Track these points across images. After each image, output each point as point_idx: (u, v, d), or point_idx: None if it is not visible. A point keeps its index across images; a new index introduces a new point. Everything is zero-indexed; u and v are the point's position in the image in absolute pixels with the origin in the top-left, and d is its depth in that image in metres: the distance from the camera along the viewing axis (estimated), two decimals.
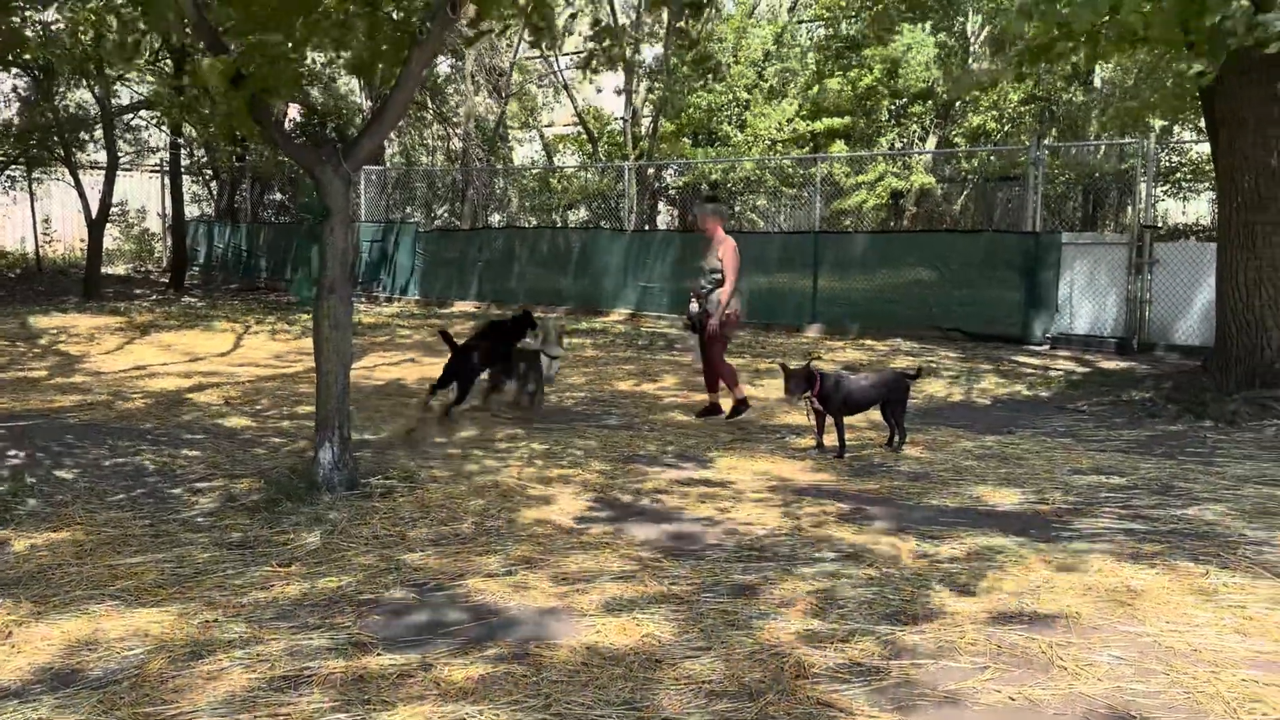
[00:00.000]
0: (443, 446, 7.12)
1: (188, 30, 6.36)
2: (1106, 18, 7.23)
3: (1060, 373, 10.95)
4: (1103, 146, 20.13)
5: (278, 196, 24.49)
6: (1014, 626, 4.04)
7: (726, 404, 8.15)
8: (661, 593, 4.35)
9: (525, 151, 29.32)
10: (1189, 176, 20.54)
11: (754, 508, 5.70)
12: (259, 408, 8.56)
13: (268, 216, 24.11)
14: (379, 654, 3.74)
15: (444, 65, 25.61)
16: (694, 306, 8.05)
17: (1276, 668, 3.68)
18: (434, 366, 10.97)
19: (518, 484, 6.12)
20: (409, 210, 23.29)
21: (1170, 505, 5.74)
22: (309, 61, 15.18)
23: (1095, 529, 5.30)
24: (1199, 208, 22.16)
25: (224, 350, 12.27)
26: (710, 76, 21.08)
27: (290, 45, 5.74)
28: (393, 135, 27.54)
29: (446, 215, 24.10)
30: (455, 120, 25.04)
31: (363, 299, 19.53)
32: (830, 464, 6.78)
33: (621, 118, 23.99)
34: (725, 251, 7.89)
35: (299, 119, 23.20)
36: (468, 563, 4.72)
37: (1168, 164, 19.94)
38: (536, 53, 24.44)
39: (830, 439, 7.10)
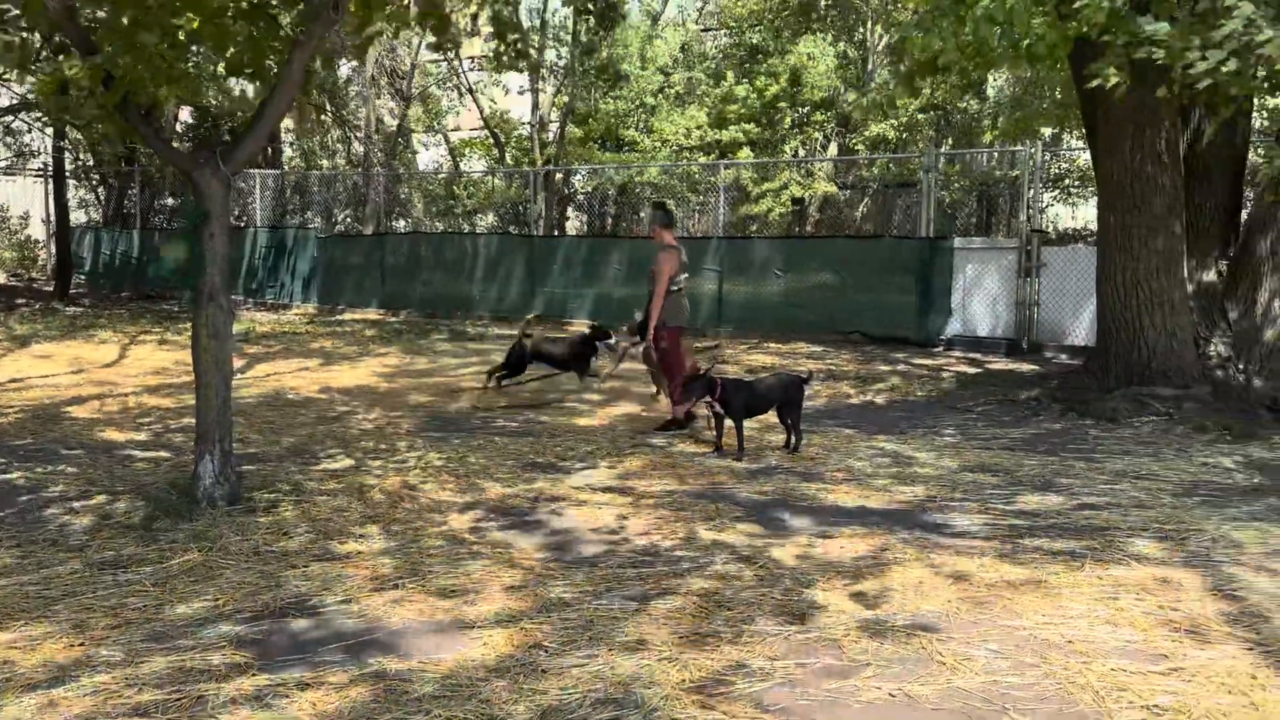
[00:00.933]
0: (335, 458, 6.95)
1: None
2: (1009, 37, 7.44)
3: (953, 374, 11.24)
4: (995, 154, 20.76)
5: (170, 201, 23.66)
6: (897, 623, 4.11)
7: (664, 407, 8.24)
8: (551, 602, 4.31)
9: (430, 156, 28.94)
10: (1077, 183, 21.34)
11: (649, 513, 5.70)
12: (142, 421, 8.24)
13: (159, 222, 23.29)
14: (254, 674, 3.61)
15: (344, 68, 25.14)
16: (638, 315, 8.15)
17: (1143, 657, 3.82)
18: (331, 375, 10.74)
19: (409, 494, 6.01)
20: (308, 215, 22.75)
21: (1051, 501, 5.93)
22: (194, 62, 14.71)
23: (979, 525, 5.43)
24: (1087, 213, 23.04)
25: (109, 361, 11.79)
26: (613, 83, 21.13)
27: (166, 45, 5.54)
28: (292, 138, 26.92)
29: (348, 220, 23.62)
30: (356, 123, 24.58)
31: (248, 305, 19.02)
32: (727, 467, 6.82)
33: (528, 122, 23.88)
34: (657, 260, 7.95)
35: (190, 121, 22.48)
36: (352, 577, 4.60)
37: (1057, 171, 20.66)
38: (439, 56, 24.16)
39: (729, 441, 7.15)
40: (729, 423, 7.16)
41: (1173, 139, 8.60)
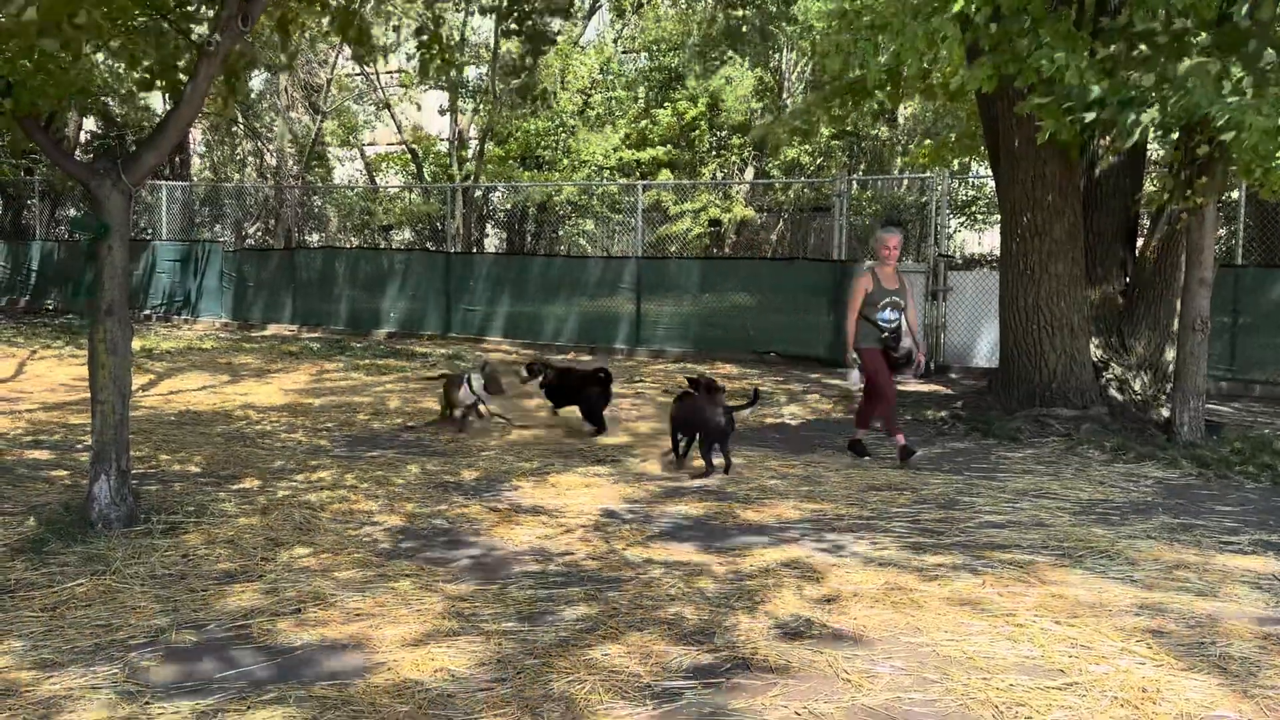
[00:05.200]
0: (242, 478, 6.77)
1: None
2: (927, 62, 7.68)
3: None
4: (905, 180, 21.32)
5: (72, 213, 22.83)
6: (804, 641, 4.16)
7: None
8: (461, 625, 4.25)
9: (346, 170, 28.50)
10: (984, 210, 22.02)
11: (565, 533, 5.67)
12: (38, 439, 7.91)
13: (60, 234, 22.45)
14: (147, 703, 3.48)
15: (258, 80, 24.65)
16: (906, 342, 7.63)
17: (1041, 672, 3.93)
18: (239, 392, 10.45)
19: (319, 515, 5.87)
20: (218, 229, 22.18)
21: (954, 519, 6.07)
22: (100, 71, 14.29)
23: (885, 543, 5.54)
24: (992, 239, 23.79)
25: (5, 377, 11.30)
26: (538, 104, 21.13)
27: (67, 55, 5.37)
28: (200, 150, 26.27)
29: (259, 234, 23.10)
30: (269, 136, 24.09)
31: (153, 320, 18.45)
32: (641, 486, 6.82)
33: (446, 139, 23.71)
34: (910, 289, 7.79)
35: (95, 131, 21.77)
36: (254, 601, 4.47)
37: (964, 197, 21.31)
38: (356, 69, 23.86)
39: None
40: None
41: (1073, 170, 8.94)
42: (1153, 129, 6.44)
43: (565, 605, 4.50)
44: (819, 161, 24.01)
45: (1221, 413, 9.99)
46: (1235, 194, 12.16)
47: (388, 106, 23.55)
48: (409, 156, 24.16)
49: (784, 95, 23.65)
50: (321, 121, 23.76)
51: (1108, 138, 8.40)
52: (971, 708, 3.62)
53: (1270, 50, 6.45)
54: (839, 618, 4.42)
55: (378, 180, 26.17)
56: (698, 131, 23.29)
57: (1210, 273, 8.12)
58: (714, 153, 24.22)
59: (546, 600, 4.57)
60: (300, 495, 6.30)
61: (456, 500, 6.35)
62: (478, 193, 22.20)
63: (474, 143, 23.54)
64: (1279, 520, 6.18)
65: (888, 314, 7.57)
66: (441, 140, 24.50)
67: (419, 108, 24.27)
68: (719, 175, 24.21)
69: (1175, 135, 8.22)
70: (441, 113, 23.10)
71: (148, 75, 5.93)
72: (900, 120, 24.22)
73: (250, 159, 26.51)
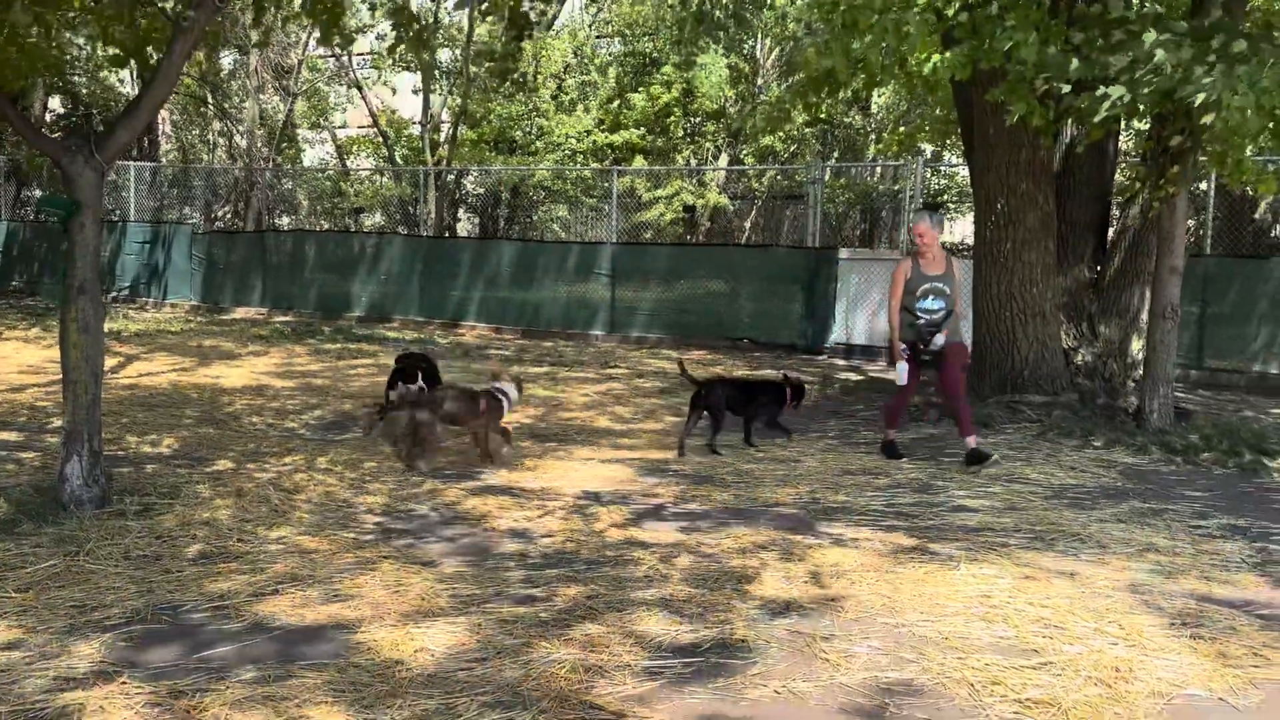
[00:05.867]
0: (213, 460, 6.70)
1: None
2: (898, 55, 7.69)
3: (838, 380, 11.53)
4: (879, 168, 21.41)
5: (38, 193, 22.46)
6: (783, 621, 4.19)
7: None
8: (441, 606, 4.24)
9: (317, 153, 28.21)
10: (956, 198, 22.19)
11: (545, 515, 5.67)
12: (8, 419, 7.79)
13: (27, 214, 22.08)
14: (124, 682, 3.45)
15: (227, 60, 24.34)
16: (940, 338, 7.01)
17: (1016, 651, 3.98)
18: (210, 375, 10.35)
19: (292, 497, 5.83)
20: (186, 211, 21.90)
21: (929, 503, 6.13)
22: (68, 48, 14.05)
23: (861, 526, 5.58)
24: (965, 227, 23.98)
25: None
26: (517, 88, 20.99)
27: (39, 29, 5.28)
28: (169, 131, 25.90)
29: (229, 216, 22.82)
30: (239, 117, 23.79)
31: (121, 302, 18.22)
32: (621, 468, 6.83)
33: (419, 122, 23.52)
34: (960, 274, 7.24)
35: (62, 110, 21.40)
36: (229, 582, 4.44)
37: (936, 186, 21.45)
38: (327, 50, 23.59)
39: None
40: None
41: (1046, 159, 9.02)
42: (1121, 108, 6.47)
43: (545, 586, 4.51)
44: (793, 149, 24.07)
45: (1190, 400, 10.15)
46: (1205, 185, 12.33)
47: (359, 89, 23.32)
48: (381, 139, 23.95)
49: (759, 82, 23.66)
50: (292, 103, 23.49)
51: (1079, 125, 8.46)
52: (948, 686, 3.66)
53: (1241, 40, 6.52)
54: (817, 599, 4.45)
55: (349, 163, 25.94)
56: (672, 117, 23.25)
57: (1181, 261, 8.23)
58: (688, 139, 24.20)
59: (526, 582, 4.57)
60: (275, 478, 6.25)
61: (434, 483, 6.33)
62: (450, 176, 22.07)
63: (447, 126, 23.38)
64: (1247, 505, 6.29)
65: (928, 302, 7.04)
66: (414, 123, 24.30)
67: (393, 91, 24.06)
68: (693, 162, 24.21)
69: (1147, 124, 8.31)
70: (415, 93, 22.89)
71: (120, 52, 5.84)
72: (874, 108, 24.30)
73: (220, 140, 26.17)
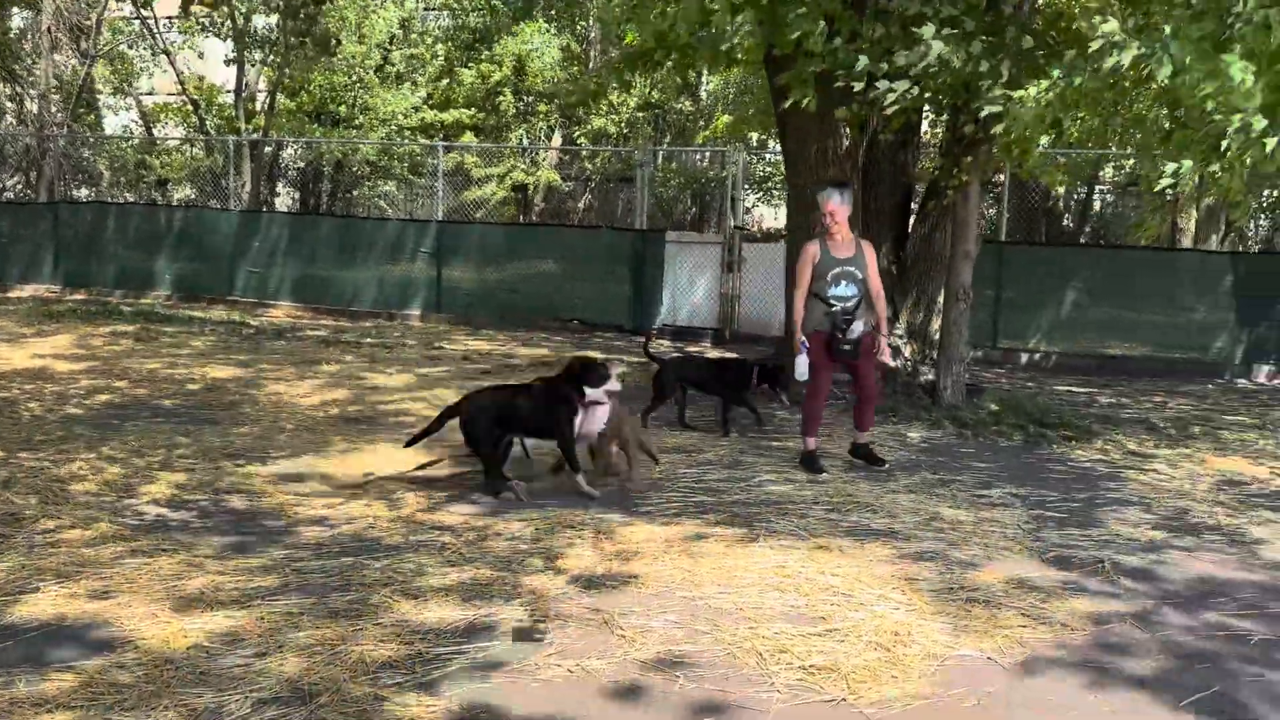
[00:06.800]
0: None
1: None
2: (700, 31, 7.76)
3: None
4: (707, 153, 21.77)
5: None
6: (585, 599, 4.18)
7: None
8: (221, 599, 4.02)
9: (119, 120, 26.36)
10: (779, 185, 22.83)
11: (348, 501, 5.47)
12: None
13: None
14: None
15: (17, 18, 22.38)
16: (857, 326, 6.32)
17: (805, 619, 4.10)
18: None
19: (66, 488, 5.41)
20: None
21: (736, 478, 6.27)
22: None
23: (670, 504, 5.65)
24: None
25: None
26: (322, 52, 20.13)
27: None
28: None
29: (18, 187, 21.05)
30: (30, 79, 21.94)
31: None
32: (432, 452, 6.67)
33: (233, 90, 22.32)
34: (874, 255, 6.58)
35: None
36: None
37: (762, 173, 21.98)
38: (130, 10, 22.05)
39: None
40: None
41: (852, 148, 9.33)
42: (909, 101, 6.75)
43: (340, 575, 4.34)
44: (625, 132, 24.18)
45: (985, 378, 10.77)
46: (1003, 176, 13.09)
47: (166, 53, 21.90)
48: (191, 107, 22.60)
49: (591, 65, 23.63)
50: (89, 65, 21.83)
51: (882, 117, 8.79)
52: (738, 656, 3.74)
53: (1029, 38, 6.91)
54: (619, 576, 4.47)
55: (156, 132, 24.37)
56: (503, 96, 22.93)
57: (974, 246, 8.69)
58: (520, 118, 23.94)
59: (320, 571, 4.39)
60: (49, 467, 5.79)
61: (228, 469, 6.01)
62: (267, 148, 21.06)
63: (263, 95, 22.28)
64: (1028, 474, 6.71)
65: (841, 288, 6.38)
66: (227, 91, 23.04)
67: (200, 55, 22.70)
68: (525, 141, 23.97)
69: (945, 116, 8.73)
70: (227, 63, 21.69)
71: None
72: (703, 95, 24.69)
73: (9, 105, 24.06)
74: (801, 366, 6.40)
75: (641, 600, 4.22)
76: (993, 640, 3.97)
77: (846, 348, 6.36)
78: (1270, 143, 5.58)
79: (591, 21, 23.26)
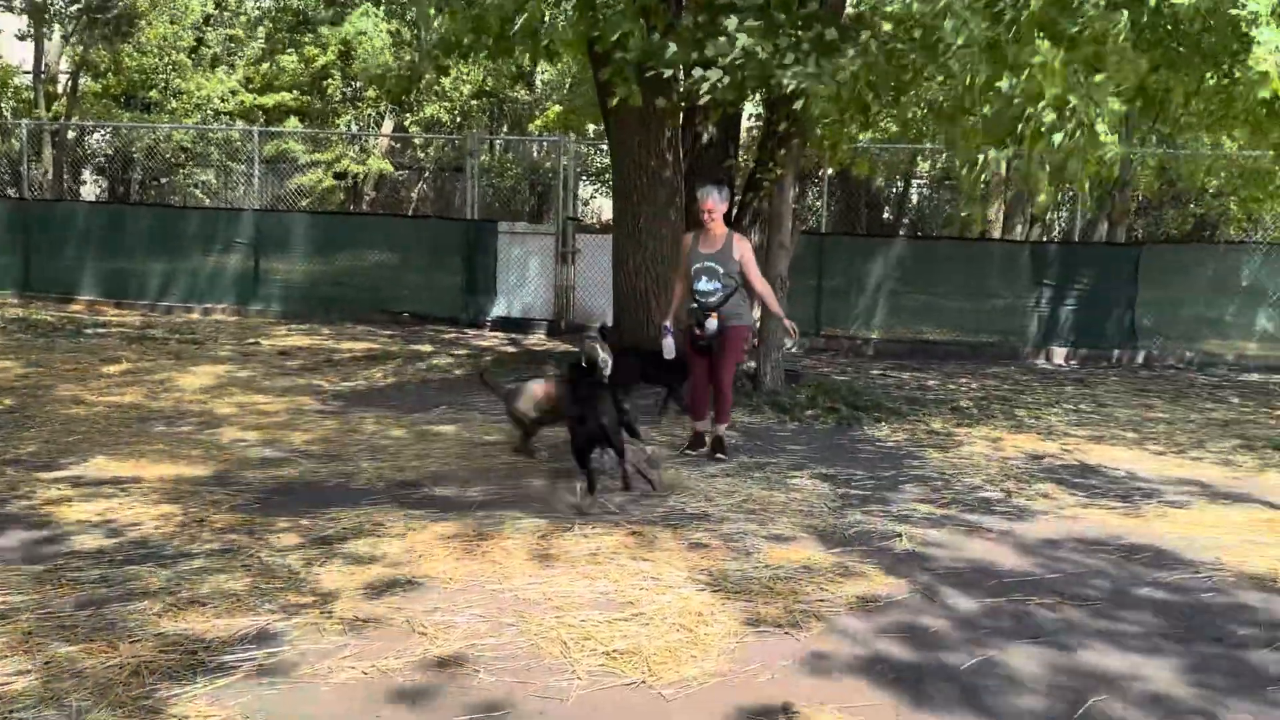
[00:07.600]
0: None
1: None
2: (516, 22, 7.68)
3: (492, 353, 11.53)
4: (540, 143, 21.66)
5: None
6: (387, 599, 4.08)
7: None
8: None
9: None
10: None
11: (138, 507, 5.15)
12: None
13: None
14: None
15: None
16: (711, 323, 6.47)
17: (613, 605, 4.12)
18: None
19: None
20: None
21: (555, 470, 6.24)
22: None
23: (484, 497, 5.58)
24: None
25: None
26: (113, 30, 18.93)
27: None
28: None
29: None
30: None
31: None
32: (227, 458, 6.38)
33: (30, 71, 20.73)
34: (747, 251, 6.66)
35: None
36: None
37: (600, 164, 22.03)
38: None
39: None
40: None
41: (674, 139, 9.46)
42: (721, 91, 6.89)
43: (120, 585, 4.08)
44: (459, 120, 23.78)
45: (806, 364, 11.13)
46: (828, 171, 13.57)
47: None
48: None
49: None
50: None
51: (699, 109, 8.95)
52: (542, 646, 3.72)
53: (833, 30, 7.15)
54: (425, 574, 4.38)
55: None
56: (329, 80, 22.17)
57: (789, 237, 8.96)
58: (348, 103, 23.20)
59: (100, 581, 4.12)
60: None
61: (8, 475, 5.57)
62: (70, 134, 19.68)
63: (65, 77, 20.79)
64: (838, 455, 6.97)
65: (701, 283, 6.58)
66: (23, 72, 21.38)
67: None
68: (354, 127, 23.26)
69: (761, 111, 8.95)
70: (20, 38, 20.13)
71: None
72: (539, 84, 24.55)
73: None
74: (668, 348, 6.86)
75: (447, 596, 4.15)
76: (790, 616, 4.09)
77: (702, 343, 6.64)
78: (1057, 137, 5.97)
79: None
